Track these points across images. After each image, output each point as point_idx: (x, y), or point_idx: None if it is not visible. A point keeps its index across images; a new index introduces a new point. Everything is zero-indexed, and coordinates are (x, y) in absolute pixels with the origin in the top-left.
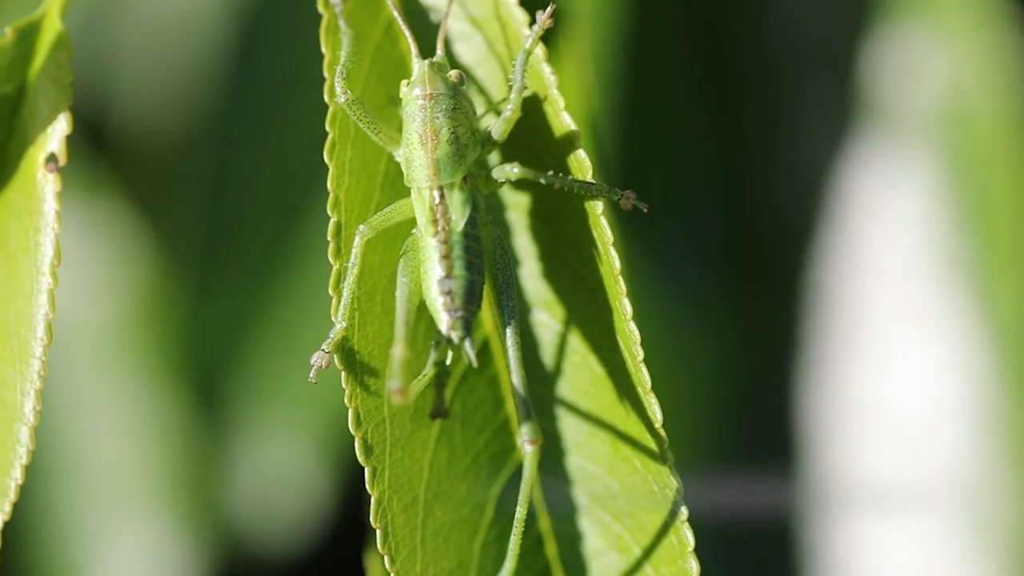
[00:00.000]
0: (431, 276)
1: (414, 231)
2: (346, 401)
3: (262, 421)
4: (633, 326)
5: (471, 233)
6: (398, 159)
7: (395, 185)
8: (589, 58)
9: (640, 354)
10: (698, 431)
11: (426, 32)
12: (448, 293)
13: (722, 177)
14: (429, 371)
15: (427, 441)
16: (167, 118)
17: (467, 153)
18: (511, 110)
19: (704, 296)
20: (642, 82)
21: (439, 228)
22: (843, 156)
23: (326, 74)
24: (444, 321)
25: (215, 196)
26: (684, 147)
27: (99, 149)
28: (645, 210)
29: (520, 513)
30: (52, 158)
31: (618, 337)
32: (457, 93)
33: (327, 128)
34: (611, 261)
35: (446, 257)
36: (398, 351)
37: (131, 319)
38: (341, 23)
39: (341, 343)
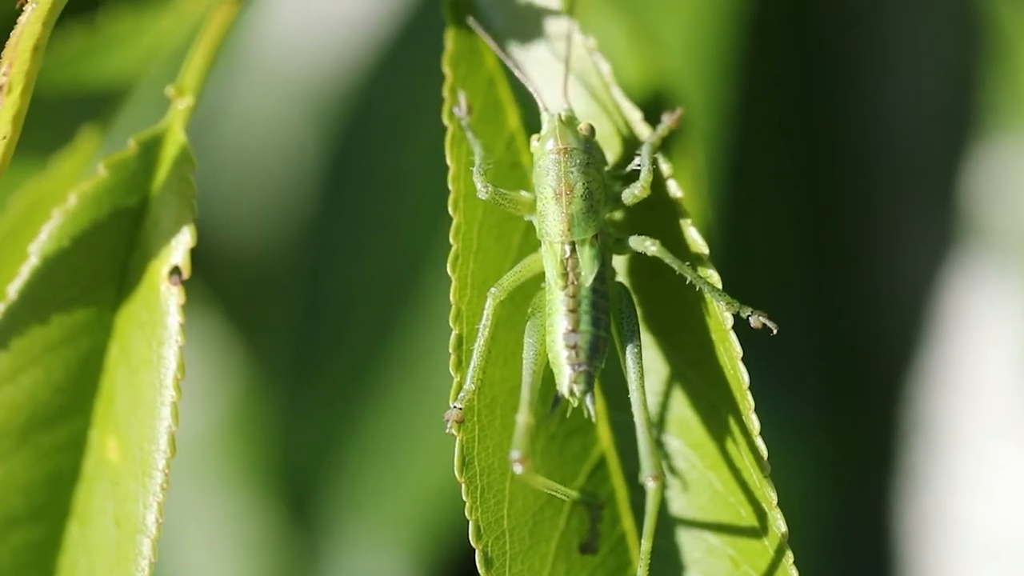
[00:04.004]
0: (557, 329)
1: (542, 285)
2: (467, 513)
3: (354, 533)
4: (761, 442)
5: (599, 289)
6: (531, 219)
7: (515, 301)
8: (704, 174)
9: (767, 469)
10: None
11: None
12: (573, 347)
13: (819, 294)
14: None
15: (546, 556)
16: (259, 232)
17: (600, 209)
18: (641, 188)
19: (800, 414)
20: (741, 197)
21: (568, 282)
22: (941, 273)
23: (451, 187)
24: (567, 375)
25: (308, 309)
26: (782, 262)
27: (192, 262)
28: (774, 332)
29: (646, 545)
30: (176, 271)
31: (742, 453)
32: (589, 146)
33: (451, 240)
34: (739, 376)
35: (573, 311)
36: (522, 418)
37: (224, 430)
38: (469, 135)
39: (468, 412)
